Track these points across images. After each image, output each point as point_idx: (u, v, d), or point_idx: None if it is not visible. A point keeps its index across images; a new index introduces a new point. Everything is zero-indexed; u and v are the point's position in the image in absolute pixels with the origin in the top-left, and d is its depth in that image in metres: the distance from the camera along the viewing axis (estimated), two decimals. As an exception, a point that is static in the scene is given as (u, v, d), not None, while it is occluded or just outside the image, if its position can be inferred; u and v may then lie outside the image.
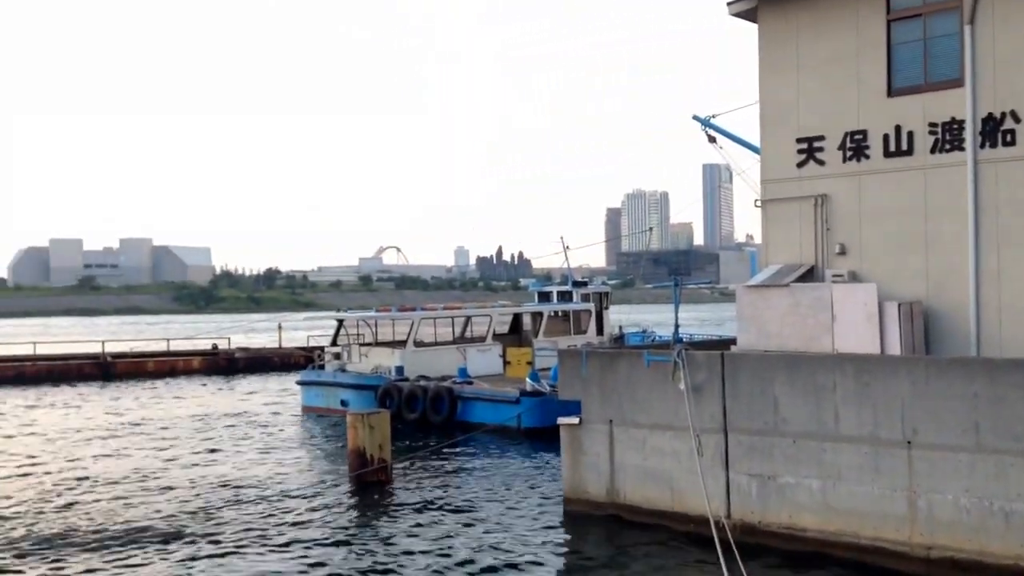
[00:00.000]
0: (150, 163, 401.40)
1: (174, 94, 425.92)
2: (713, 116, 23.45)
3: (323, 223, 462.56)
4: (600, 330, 34.80)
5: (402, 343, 29.32)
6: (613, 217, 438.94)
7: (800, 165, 15.07)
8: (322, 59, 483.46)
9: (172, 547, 13.81)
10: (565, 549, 13.64)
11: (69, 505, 16.72)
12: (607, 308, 36.38)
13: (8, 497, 17.52)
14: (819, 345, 13.78)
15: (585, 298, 35.65)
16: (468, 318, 32.17)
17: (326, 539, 14.15)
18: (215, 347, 48.21)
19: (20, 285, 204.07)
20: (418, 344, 29.20)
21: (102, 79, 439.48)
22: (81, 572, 12.76)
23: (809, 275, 14.80)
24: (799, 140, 15.07)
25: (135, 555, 13.45)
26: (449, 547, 13.58)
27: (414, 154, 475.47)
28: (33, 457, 22.27)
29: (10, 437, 25.72)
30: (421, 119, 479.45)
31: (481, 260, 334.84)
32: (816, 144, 14.90)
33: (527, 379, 24.35)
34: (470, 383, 25.89)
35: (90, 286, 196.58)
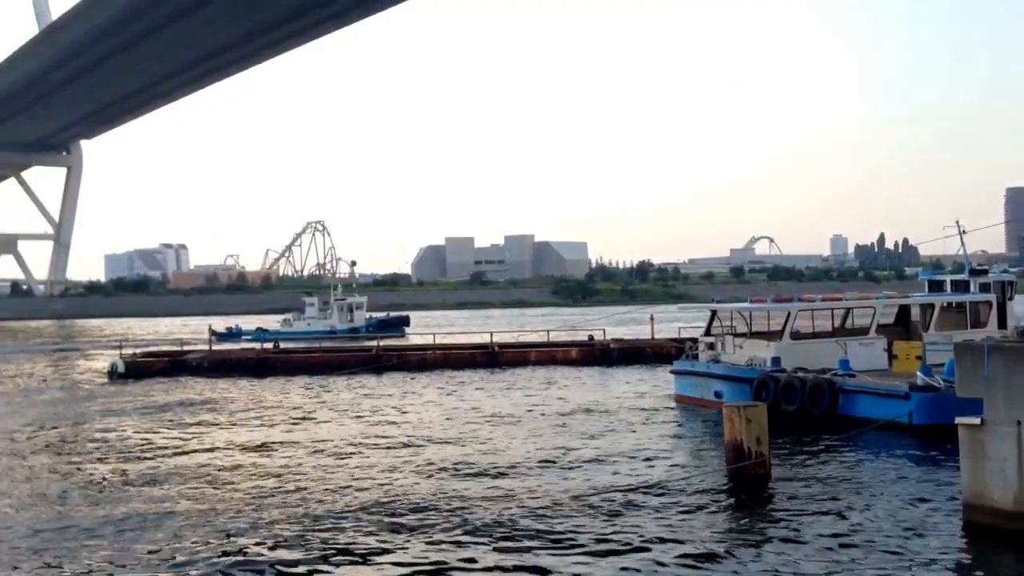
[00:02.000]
0: (531, 162, 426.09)
1: (555, 99, 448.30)
2: None
3: (694, 214, 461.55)
4: (1002, 323, 31.27)
5: (778, 335, 28.44)
6: (1016, 197, 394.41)
7: None
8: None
9: (542, 533, 14.52)
10: (969, 566, 12.42)
11: (458, 481, 18.20)
12: (1011, 299, 32.63)
13: (395, 469, 19.49)
14: None
15: (984, 288, 32.17)
16: (849, 309, 30.45)
17: (707, 535, 14.12)
18: (591, 338, 50.03)
19: (422, 280, 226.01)
20: (795, 336, 28.18)
21: (489, 88, 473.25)
22: (463, 559, 13.81)
23: None
24: None
25: (513, 540, 14.32)
26: (833, 558, 12.94)
27: (781, 140, 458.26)
28: (427, 437, 24.52)
29: (412, 414, 28.58)
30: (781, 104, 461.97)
31: (860, 248, 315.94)
32: None
33: (918, 373, 22.57)
34: (852, 376, 24.53)
35: (480, 281, 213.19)
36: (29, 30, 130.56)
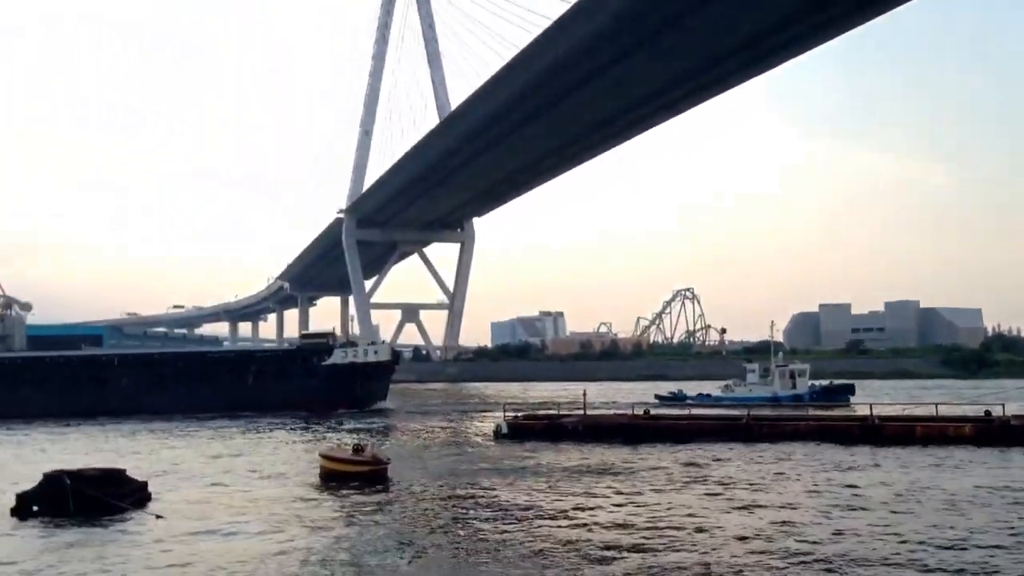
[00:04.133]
0: (911, 223, 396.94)
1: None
2: None
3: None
4: None
5: None
6: None
7: None
8: None
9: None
10: None
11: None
12: None
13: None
14: None
15: None
16: None
17: None
18: (988, 413, 45.49)
19: (794, 348, 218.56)
20: None
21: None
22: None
23: None
24: None
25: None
26: None
27: None
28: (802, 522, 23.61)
29: (777, 494, 27.69)
30: None
31: None
32: None
33: None
34: None
35: (858, 349, 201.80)
36: (431, 121, 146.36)
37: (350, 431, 56.20)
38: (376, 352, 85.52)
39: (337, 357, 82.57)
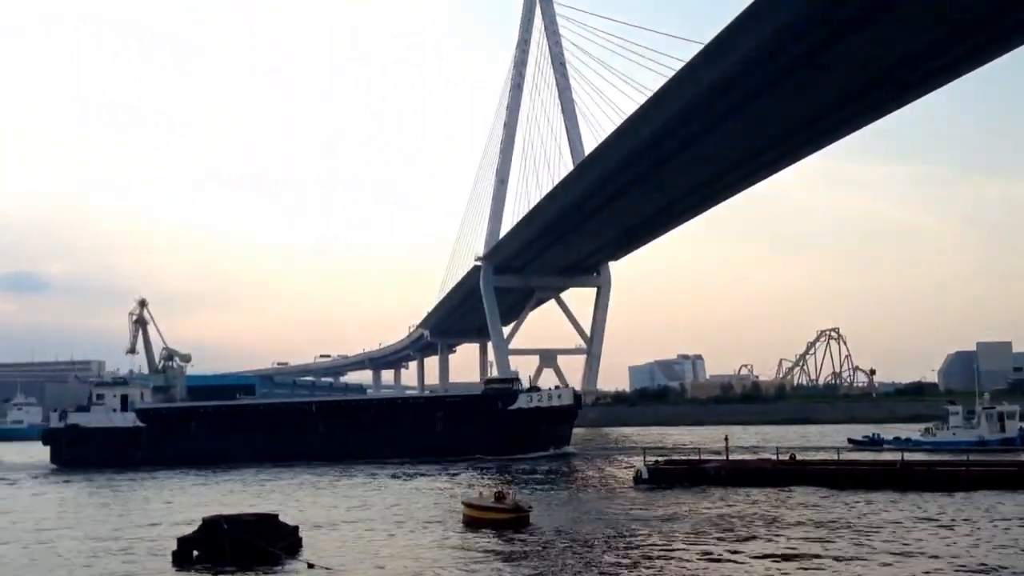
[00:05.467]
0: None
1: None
2: None
3: None
4: None
5: None
6: None
7: None
8: None
9: None
10: None
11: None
12: None
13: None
14: None
15: None
16: None
17: None
18: None
19: (951, 389, 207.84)
20: None
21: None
22: None
23: None
24: None
25: None
26: None
27: None
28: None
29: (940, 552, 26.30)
30: None
31: None
32: None
33: None
34: None
35: (1022, 390, 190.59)
36: (565, 167, 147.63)
37: (526, 472, 56.63)
38: (560, 396, 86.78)
39: (522, 402, 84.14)
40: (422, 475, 59.50)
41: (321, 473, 62.86)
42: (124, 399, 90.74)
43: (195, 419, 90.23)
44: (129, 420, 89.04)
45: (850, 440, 76.10)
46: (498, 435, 79.99)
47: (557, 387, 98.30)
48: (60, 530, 35.94)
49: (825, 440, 78.67)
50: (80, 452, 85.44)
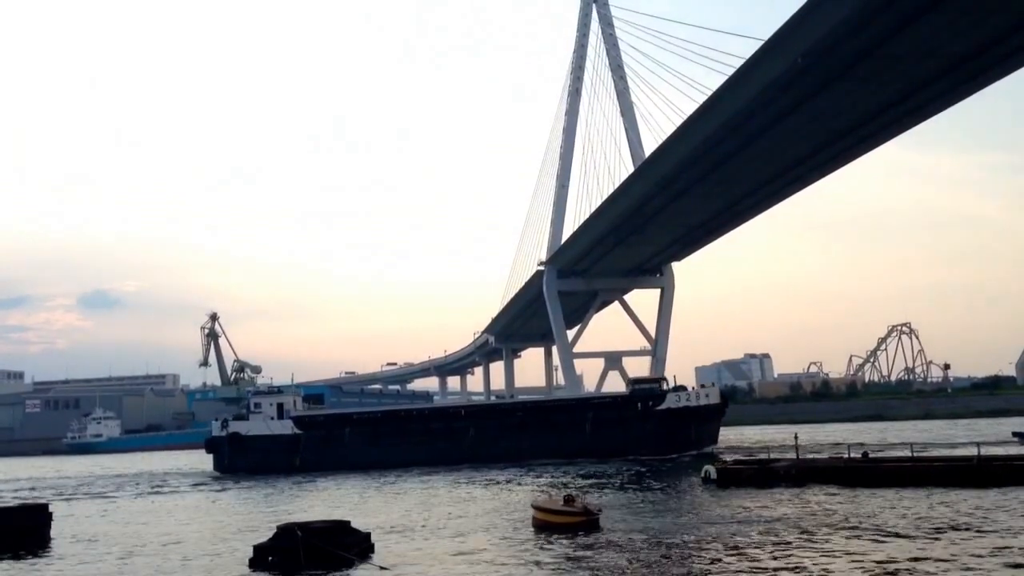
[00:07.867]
0: None
1: None
2: None
3: None
4: None
5: None
6: None
7: None
8: None
9: None
10: None
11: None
12: None
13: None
14: None
15: None
16: None
17: None
18: None
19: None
20: None
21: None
22: None
23: None
24: None
25: None
26: None
27: None
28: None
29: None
30: None
31: None
32: None
33: None
34: None
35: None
36: (625, 170, 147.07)
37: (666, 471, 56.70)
38: (707, 396, 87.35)
39: (671, 401, 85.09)
40: (568, 476, 59.74)
41: (469, 478, 63.28)
42: (280, 407, 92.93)
43: (349, 425, 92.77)
44: (287, 427, 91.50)
45: (1015, 433, 73.98)
46: (649, 435, 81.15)
47: (703, 386, 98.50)
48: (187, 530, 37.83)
49: (935, 436, 76.04)
50: (242, 459, 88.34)
